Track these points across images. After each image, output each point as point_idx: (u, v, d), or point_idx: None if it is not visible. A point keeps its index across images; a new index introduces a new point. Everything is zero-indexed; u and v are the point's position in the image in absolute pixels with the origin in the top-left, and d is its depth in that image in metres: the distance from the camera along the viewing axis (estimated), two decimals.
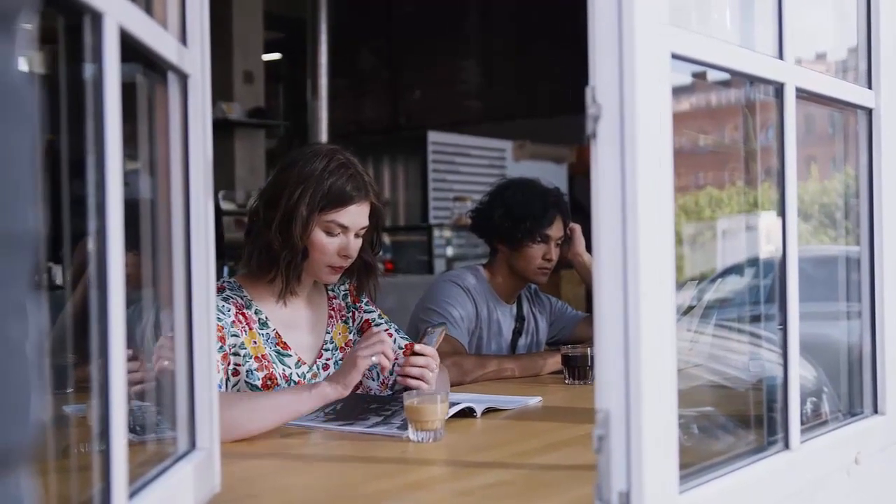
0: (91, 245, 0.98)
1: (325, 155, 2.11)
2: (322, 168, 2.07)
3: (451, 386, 2.54)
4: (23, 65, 0.55)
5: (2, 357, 0.51)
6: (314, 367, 2.19)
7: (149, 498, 1.10)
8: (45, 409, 0.59)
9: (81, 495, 1.08)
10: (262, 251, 2.12)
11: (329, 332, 2.25)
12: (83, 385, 1.21)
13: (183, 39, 1.31)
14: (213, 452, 1.36)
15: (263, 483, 1.54)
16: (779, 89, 1.46)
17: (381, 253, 2.38)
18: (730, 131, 1.94)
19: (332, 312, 2.28)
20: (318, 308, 2.26)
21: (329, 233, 2.10)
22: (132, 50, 1.07)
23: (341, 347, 2.26)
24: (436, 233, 7.34)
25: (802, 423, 1.48)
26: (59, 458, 1.14)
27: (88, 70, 0.98)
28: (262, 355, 2.09)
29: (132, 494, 1.05)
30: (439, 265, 7.17)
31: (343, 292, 2.32)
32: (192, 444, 1.33)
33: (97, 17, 0.96)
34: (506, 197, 2.93)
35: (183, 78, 1.30)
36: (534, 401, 2.27)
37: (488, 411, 2.09)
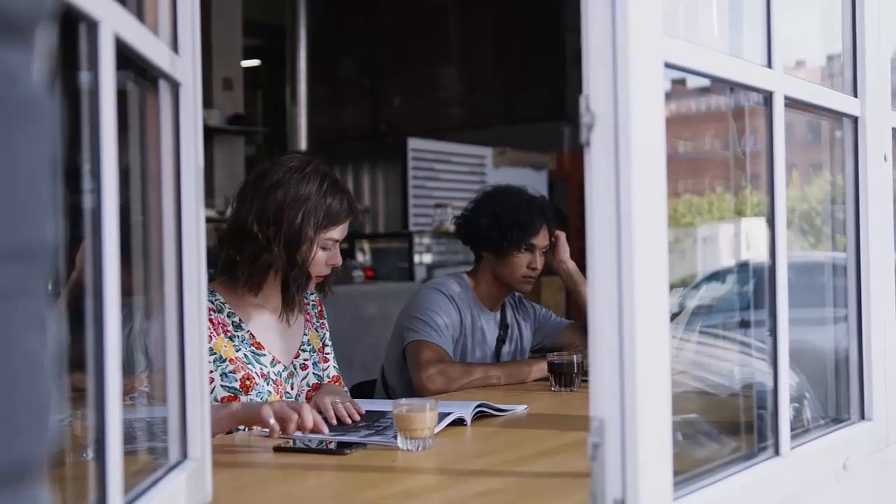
0: (85, 253, 0.97)
1: (313, 174, 2.20)
2: (317, 188, 2.18)
3: (437, 394, 2.54)
4: (40, 75, 0.55)
5: (22, 369, 0.51)
6: (291, 367, 2.26)
7: None
8: (59, 420, 0.58)
9: None
10: (259, 268, 2.16)
11: (306, 335, 2.34)
12: (69, 395, 1.20)
13: (174, 48, 1.30)
14: (204, 462, 1.35)
15: (255, 493, 1.54)
16: (767, 97, 1.47)
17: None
18: (709, 138, 1.95)
19: (308, 316, 2.38)
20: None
21: (324, 248, 2.21)
22: (124, 57, 1.07)
23: (318, 350, 2.36)
24: (416, 240, 7.32)
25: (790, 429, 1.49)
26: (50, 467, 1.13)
27: (83, 77, 0.98)
28: (237, 357, 2.15)
29: None
30: (420, 272, 7.15)
31: (312, 302, 2.41)
32: (184, 454, 1.32)
33: (93, 25, 0.95)
34: (492, 205, 2.92)
35: (175, 86, 1.30)
36: (520, 408, 2.27)
37: (479, 416, 2.09)
